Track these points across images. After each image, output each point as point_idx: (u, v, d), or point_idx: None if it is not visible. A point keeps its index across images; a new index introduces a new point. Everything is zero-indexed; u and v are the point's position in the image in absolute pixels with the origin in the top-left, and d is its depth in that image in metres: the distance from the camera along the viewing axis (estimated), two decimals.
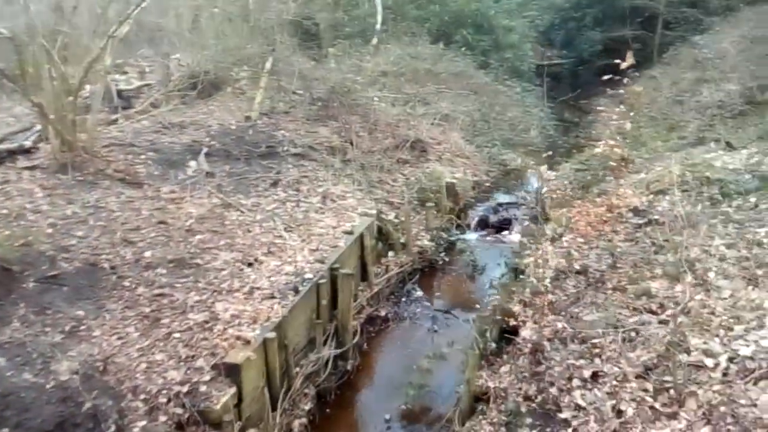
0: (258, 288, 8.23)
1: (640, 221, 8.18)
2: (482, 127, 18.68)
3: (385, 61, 20.42)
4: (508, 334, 7.80)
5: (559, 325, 6.58)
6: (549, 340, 6.67)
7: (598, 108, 21.34)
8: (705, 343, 5.03)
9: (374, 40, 23.39)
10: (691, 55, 19.75)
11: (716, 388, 4.53)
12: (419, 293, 10.93)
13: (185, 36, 16.09)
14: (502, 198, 15.18)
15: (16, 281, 6.89)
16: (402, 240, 11.59)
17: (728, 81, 15.27)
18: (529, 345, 6.95)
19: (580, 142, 17.75)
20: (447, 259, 12.21)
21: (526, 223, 11.92)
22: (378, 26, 24.37)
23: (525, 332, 7.36)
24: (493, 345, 7.87)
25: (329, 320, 8.87)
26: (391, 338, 9.79)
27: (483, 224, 13.71)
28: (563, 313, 7.03)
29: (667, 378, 4.87)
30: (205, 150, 11.96)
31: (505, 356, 7.62)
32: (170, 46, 17.04)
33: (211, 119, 13.70)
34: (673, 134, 12.99)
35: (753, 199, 7.52)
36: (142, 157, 11.17)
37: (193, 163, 11.45)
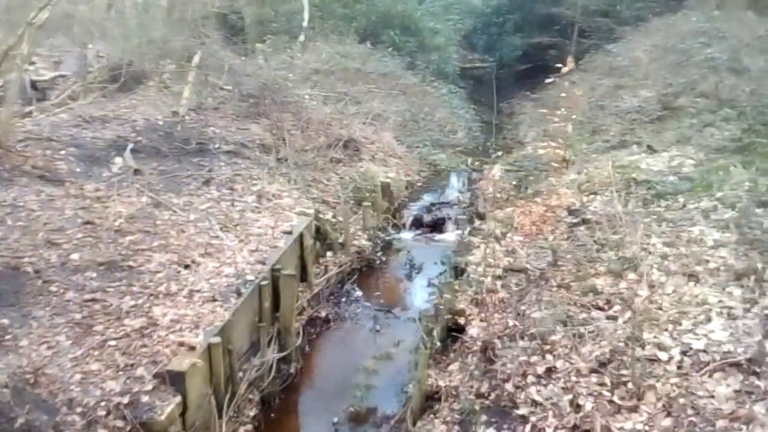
0: (198, 291, 7.86)
1: (579, 220, 8.48)
2: (413, 128, 18.84)
3: (315, 59, 20.21)
4: (454, 333, 7.88)
5: (510, 322, 6.69)
6: (499, 337, 6.77)
7: (523, 112, 22.22)
8: (656, 337, 5.26)
9: (301, 38, 23.09)
10: (607, 63, 20.75)
11: (673, 380, 4.75)
12: (359, 293, 10.84)
13: (104, 25, 15.17)
14: (435, 198, 15.35)
15: None
16: (340, 240, 11.47)
17: (643, 87, 16.16)
18: (479, 343, 7.03)
19: (507, 143, 18.27)
20: (384, 259, 12.19)
21: (462, 222, 12.11)
22: (305, 23, 24.09)
23: (473, 330, 7.46)
24: (439, 344, 7.91)
25: (271, 323, 8.63)
26: (333, 339, 9.64)
27: (417, 223, 13.80)
28: (510, 310, 7.16)
29: (623, 372, 5.06)
30: (131, 146, 11.32)
31: (452, 354, 7.67)
32: (87, 36, 16.00)
33: (136, 114, 12.99)
34: (597, 137, 13.58)
35: (681, 200, 7.97)
36: (63, 152, 10.42)
37: (118, 160, 10.83)
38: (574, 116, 10.29)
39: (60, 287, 7.12)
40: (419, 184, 16.09)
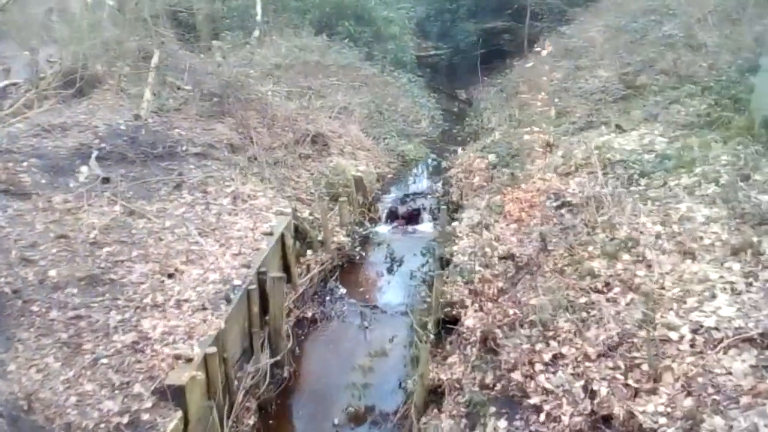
0: (185, 300, 7.62)
1: (565, 203, 8.54)
2: (377, 119, 18.72)
3: (273, 54, 19.84)
4: (449, 325, 7.86)
5: (510, 311, 6.70)
6: (499, 327, 6.77)
7: (484, 98, 22.33)
8: (663, 317, 5.34)
9: (256, 33, 22.65)
10: (562, 45, 20.99)
11: (689, 360, 4.83)
12: (343, 290, 10.73)
13: (51, 28, 14.47)
14: (407, 189, 15.32)
15: None
16: (320, 237, 11.32)
17: (601, 68, 16.42)
18: (478, 333, 7.02)
19: (474, 130, 18.33)
20: (364, 254, 12.10)
21: (438, 213, 12.08)
22: (258, 18, 23.63)
23: (469, 321, 7.44)
24: (433, 337, 7.89)
25: (261, 327, 8.45)
26: (322, 340, 9.52)
27: (393, 216, 13.74)
28: (507, 299, 7.18)
29: (635, 354, 5.12)
30: (96, 153, 10.88)
31: (449, 347, 7.66)
32: (35, 40, 15.27)
33: (96, 119, 12.44)
34: (564, 119, 13.74)
35: (662, 177, 8.11)
36: (25, 164, 9.91)
37: (84, 169, 10.38)
38: (555, 99, 10.29)
39: (42, 306, 6.80)
40: (390, 176, 16.02)
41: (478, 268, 8.13)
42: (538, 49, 22.32)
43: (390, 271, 11.57)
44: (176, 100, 14.82)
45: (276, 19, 24.18)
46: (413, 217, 13.59)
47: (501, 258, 8.28)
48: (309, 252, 11.22)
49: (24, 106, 12.65)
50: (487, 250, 8.27)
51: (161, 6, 18.65)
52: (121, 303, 7.28)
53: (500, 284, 7.61)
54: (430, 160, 17.46)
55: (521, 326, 6.62)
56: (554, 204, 9.06)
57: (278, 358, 8.34)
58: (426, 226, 13.17)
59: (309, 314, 9.99)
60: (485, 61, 26.53)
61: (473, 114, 21.04)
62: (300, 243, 11.02)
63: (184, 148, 12.22)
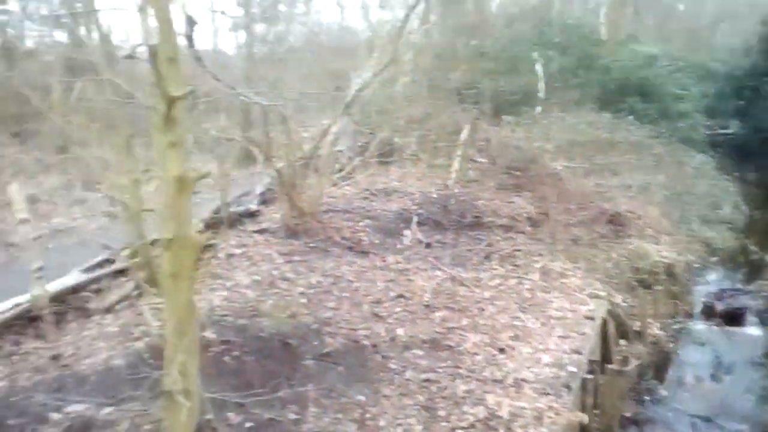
0: (523, 380, 7.32)
1: None
2: (675, 202, 17.20)
3: (560, 129, 19.67)
4: None
5: None
6: None
7: None
8: None
9: (538, 109, 22.86)
10: None
11: None
12: (663, 392, 9.59)
13: (378, 103, 16.12)
14: (721, 282, 13.57)
15: (296, 357, 6.46)
16: (636, 327, 10.38)
17: None
18: None
19: None
20: (681, 352, 10.79)
21: None
22: (541, 94, 23.90)
23: None
24: None
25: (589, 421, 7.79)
26: None
27: (709, 312, 12.18)
28: None
29: None
30: (416, 218, 11.54)
31: None
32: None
33: (410, 187, 13.37)
34: None
35: None
36: (361, 224, 10.88)
37: (407, 232, 11.04)
38: None
39: (398, 365, 7.05)
40: (696, 265, 14.39)
41: None
42: None
43: (715, 378, 10.08)
44: (474, 171, 15.36)
45: (558, 95, 24.20)
46: (735, 317, 11.85)
47: None
48: (622, 341, 10.33)
49: (347, 172, 14.15)
50: None
51: (450, 84, 19.85)
52: (463, 372, 7.24)
53: None
54: (742, 251, 15.37)
55: None
56: None
57: None
58: (753, 330, 11.37)
59: (628, 413, 9.05)
60: None
61: None
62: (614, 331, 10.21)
63: (489, 218, 12.42)
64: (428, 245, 10.60)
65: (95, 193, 13.56)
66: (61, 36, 23.75)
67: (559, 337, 8.59)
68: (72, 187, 13.93)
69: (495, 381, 7.26)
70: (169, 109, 3.41)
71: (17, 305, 6.26)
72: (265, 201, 11.47)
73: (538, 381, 7.33)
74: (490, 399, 6.87)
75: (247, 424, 5.00)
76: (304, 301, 7.87)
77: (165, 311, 3.64)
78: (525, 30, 27.26)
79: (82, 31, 21.80)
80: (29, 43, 23.80)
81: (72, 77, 19.03)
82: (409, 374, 6.93)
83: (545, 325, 8.91)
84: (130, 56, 4.45)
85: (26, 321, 6.33)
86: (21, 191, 6.28)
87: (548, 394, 7.08)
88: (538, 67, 24.84)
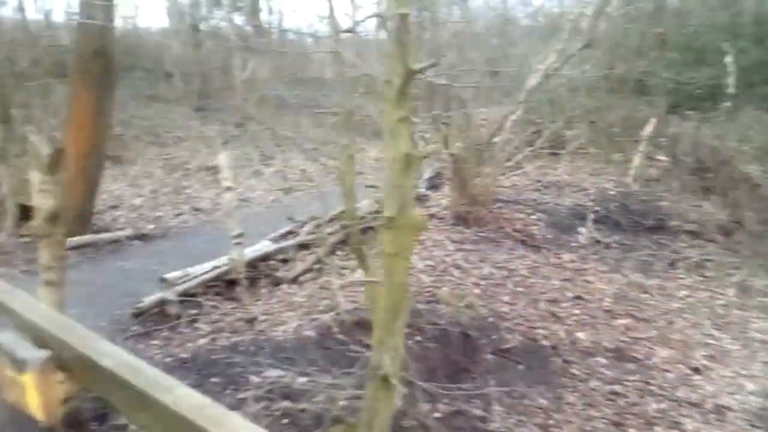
0: (725, 407, 6.48)
1: None
2: None
3: (759, 130, 17.50)
4: None
5: None
6: None
7: None
8: None
9: (727, 104, 20.58)
10: None
11: None
12: None
13: (552, 91, 15.33)
14: None
15: (476, 350, 6.20)
16: None
17: None
18: None
19: None
20: None
21: None
22: (730, 89, 21.49)
23: None
24: None
25: None
26: None
27: None
28: None
29: None
30: (592, 216, 10.77)
31: None
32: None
33: (582, 181, 12.55)
34: None
35: None
36: (533, 217, 10.36)
37: (582, 230, 10.34)
38: None
39: (581, 371, 6.53)
40: None
41: None
42: None
43: None
44: (655, 169, 14.12)
45: (749, 92, 21.61)
46: None
47: None
48: None
49: (516, 162, 13.57)
50: None
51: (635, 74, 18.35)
52: (653, 389, 6.55)
53: None
54: None
55: None
56: None
57: None
58: None
59: None
60: None
61: None
62: None
63: (674, 222, 11.30)
64: (607, 246, 9.83)
65: (271, 168, 14.31)
66: (238, 19, 25.34)
67: (765, 363, 7.55)
68: (251, 161, 14.75)
69: (691, 404, 6.49)
70: (405, 83, 3.23)
71: (215, 267, 6.61)
72: (433, 186, 11.31)
73: (742, 410, 6.46)
74: (688, 424, 6.14)
75: (436, 414, 4.81)
76: (477, 291, 7.57)
77: (379, 291, 3.48)
78: (715, 17, 24.64)
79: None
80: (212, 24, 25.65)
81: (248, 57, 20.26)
82: (593, 383, 6.39)
83: (746, 348, 7.87)
84: (350, 30, 4.36)
85: (223, 283, 6.68)
86: (227, 161, 6.57)
87: (757, 427, 6.21)
88: (728, 59, 22.38)
